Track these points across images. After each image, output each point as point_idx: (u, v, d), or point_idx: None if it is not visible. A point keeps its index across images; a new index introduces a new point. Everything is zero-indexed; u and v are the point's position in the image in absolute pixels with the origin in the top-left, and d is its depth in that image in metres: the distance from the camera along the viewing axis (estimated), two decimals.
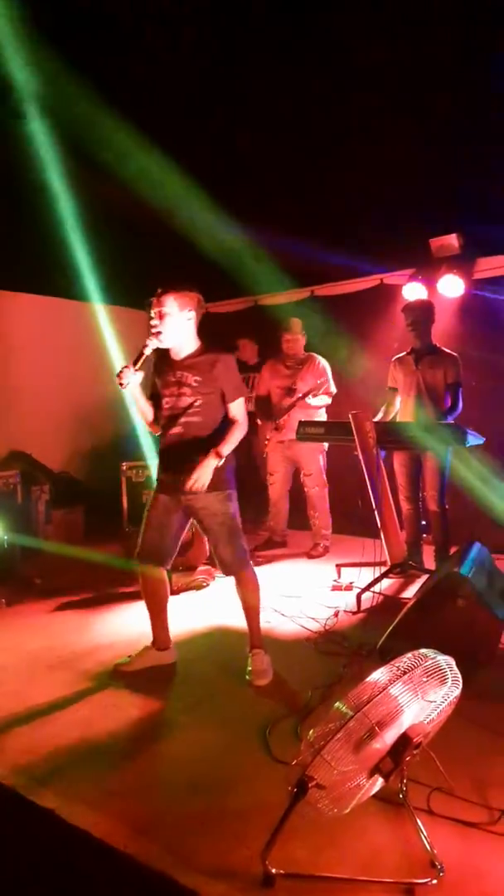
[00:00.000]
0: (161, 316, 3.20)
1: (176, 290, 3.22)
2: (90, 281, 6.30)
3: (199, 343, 3.32)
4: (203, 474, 3.12)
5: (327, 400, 5.51)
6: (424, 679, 1.97)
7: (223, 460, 3.19)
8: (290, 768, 2.38)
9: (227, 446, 3.21)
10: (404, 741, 1.96)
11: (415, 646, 2.11)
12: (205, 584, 4.89)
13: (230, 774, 2.50)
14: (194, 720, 2.94)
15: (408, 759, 1.99)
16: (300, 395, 5.42)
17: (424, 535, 4.92)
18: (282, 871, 1.94)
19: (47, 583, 5.01)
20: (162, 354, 3.32)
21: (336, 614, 4.17)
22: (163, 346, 3.25)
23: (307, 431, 4.78)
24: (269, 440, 5.63)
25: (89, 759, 2.63)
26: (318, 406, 5.46)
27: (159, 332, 3.20)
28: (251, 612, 3.40)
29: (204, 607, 4.48)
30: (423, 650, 2.04)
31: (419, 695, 1.95)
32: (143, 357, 3.19)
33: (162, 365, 3.33)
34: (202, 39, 4.76)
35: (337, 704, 2.03)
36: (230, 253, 6.05)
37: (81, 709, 3.08)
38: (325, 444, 5.54)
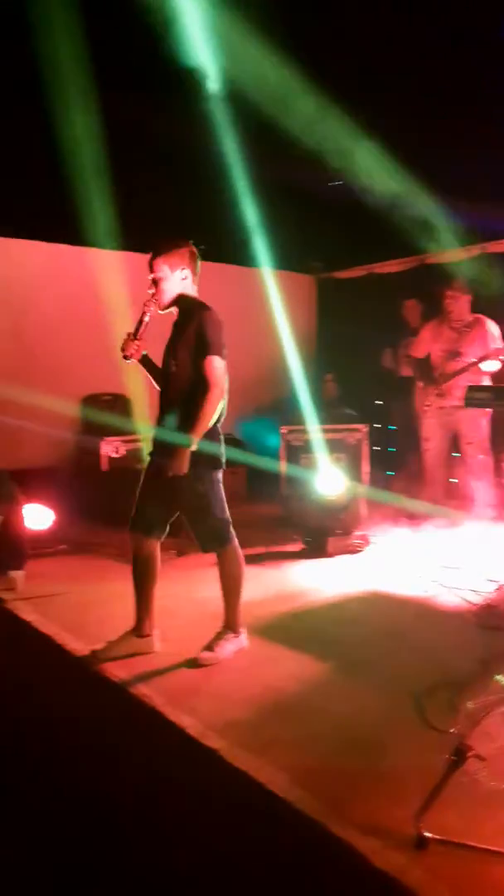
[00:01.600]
0: (156, 282, 3.08)
1: (163, 251, 3.08)
2: (258, 247, 6.39)
3: (192, 300, 3.17)
4: (180, 465, 2.98)
5: (498, 365, 5.23)
6: None
7: (198, 439, 3.02)
8: (446, 736, 2.39)
9: (201, 426, 3.00)
10: None
11: None
12: (360, 549, 4.91)
13: (385, 736, 2.53)
14: (350, 680, 3.00)
15: None
16: (472, 360, 5.18)
17: None
18: (436, 836, 1.96)
19: None
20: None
21: (500, 588, 4.03)
22: (163, 312, 3.15)
23: (475, 397, 4.58)
24: (429, 406, 5.46)
25: (250, 708, 2.76)
26: (488, 372, 5.21)
27: (158, 300, 3.09)
28: (230, 590, 3.24)
29: (359, 571, 4.51)
30: None
31: None
32: (144, 325, 3.09)
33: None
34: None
35: (498, 677, 1.99)
36: (395, 210, 5.87)
37: (242, 659, 3.23)
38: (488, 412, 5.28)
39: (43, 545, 4.74)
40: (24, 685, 3.45)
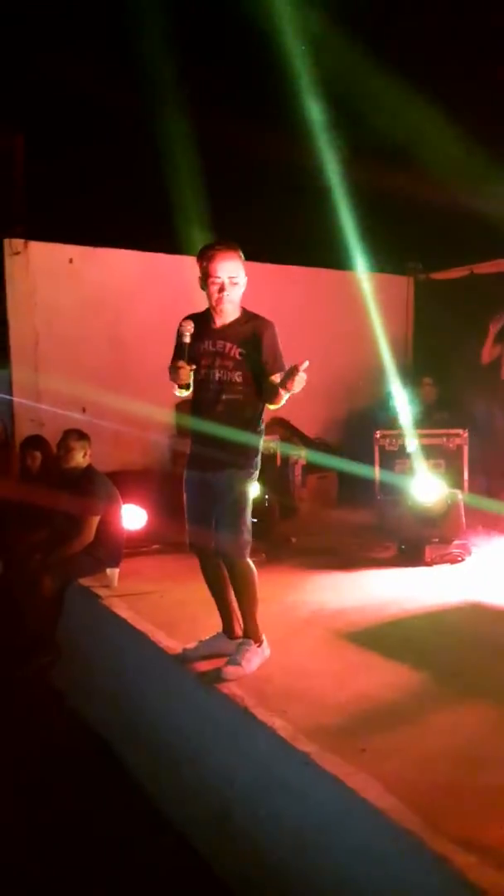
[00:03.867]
0: (222, 287, 2.94)
1: (239, 252, 2.97)
2: (353, 250, 6.32)
3: (242, 308, 3.06)
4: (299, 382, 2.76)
5: None
6: None
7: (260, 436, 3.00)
8: None
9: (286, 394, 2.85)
10: None
11: None
12: (460, 558, 4.74)
13: (484, 750, 2.43)
14: (446, 691, 2.90)
15: None
16: None
17: None
18: None
19: (302, 542, 5.24)
20: (198, 318, 3.08)
21: None
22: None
23: None
24: None
25: (343, 714, 2.71)
26: None
27: (220, 307, 2.98)
28: (244, 602, 3.09)
29: (457, 581, 4.36)
30: None
31: None
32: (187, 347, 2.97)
33: (199, 328, 3.04)
34: None
35: None
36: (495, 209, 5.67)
37: (334, 664, 3.19)
38: None
39: (137, 544, 4.85)
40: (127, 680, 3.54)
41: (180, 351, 3.00)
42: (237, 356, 3.00)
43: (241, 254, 3.02)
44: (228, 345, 3.02)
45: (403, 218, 6.11)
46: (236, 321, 3.07)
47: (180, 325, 3.02)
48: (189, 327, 2.98)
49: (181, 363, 2.97)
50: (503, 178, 5.46)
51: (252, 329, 3.03)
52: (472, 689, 2.90)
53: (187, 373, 2.99)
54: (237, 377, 3.02)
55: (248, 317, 3.09)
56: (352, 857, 2.10)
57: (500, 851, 1.87)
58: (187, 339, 2.97)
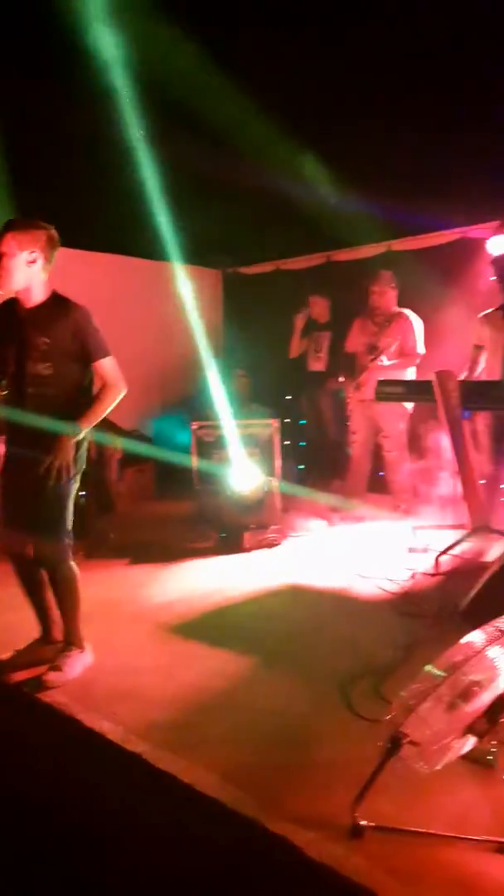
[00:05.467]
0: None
1: (16, 227, 2.77)
2: (165, 240, 6.25)
3: (49, 292, 2.89)
4: (63, 458, 2.76)
5: (410, 362, 5.34)
6: None
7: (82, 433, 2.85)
8: (374, 725, 2.39)
9: (90, 418, 2.84)
10: (501, 703, 1.91)
11: (500, 609, 2.06)
12: (276, 542, 4.90)
13: (313, 728, 2.51)
14: (274, 674, 2.96)
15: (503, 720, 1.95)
16: (376, 353, 5.27)
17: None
18: (371, 824, 1.94)
19: (121, 537, 5.11)
20: (6, 302, 2.91)
21: (413, 576, 4.12)
22: (1, 291, 2.84)
23: (385, 391, 4.67)
24: (350, 399, 5.53)
25: (174, 708, 2.67)
26: (393, 366, 5.30)
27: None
28: (66, 607, 2.98)
29: (276, 565, 4.49)
30: None
31: None
32: None
33: (4, 314, 2.90)
34: None
35: (428, 667, 2.00)
36: (304, 207, 5.90)
37: (161, 659, 3.14)
38: (409, 409, 5.39)
39: None
40: None
41: None
42: (43, 346, 2.81)
43: (24, 228, 2.79)
44: (34, 333, 2.82)
45: (215, 211, 6.15)
46: (42, 305, 2.87)
47: None
48: None
49: None
50: (311, 178, 5.69)
51: (59, 315, 2.85)
52: (298, 670, 3.00)
53: None
54: (44, 369, 2.82)
55: (56, 301, 2.89)
56: (193, 851, 2.07)
57: (338, 824, 1.94)
58: None
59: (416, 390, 4.64)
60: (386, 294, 5.41)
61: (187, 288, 6.60)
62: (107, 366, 2.91)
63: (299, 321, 6.51)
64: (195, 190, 5.98)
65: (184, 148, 5.31)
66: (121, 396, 2.94)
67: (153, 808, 2.21)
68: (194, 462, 6.04)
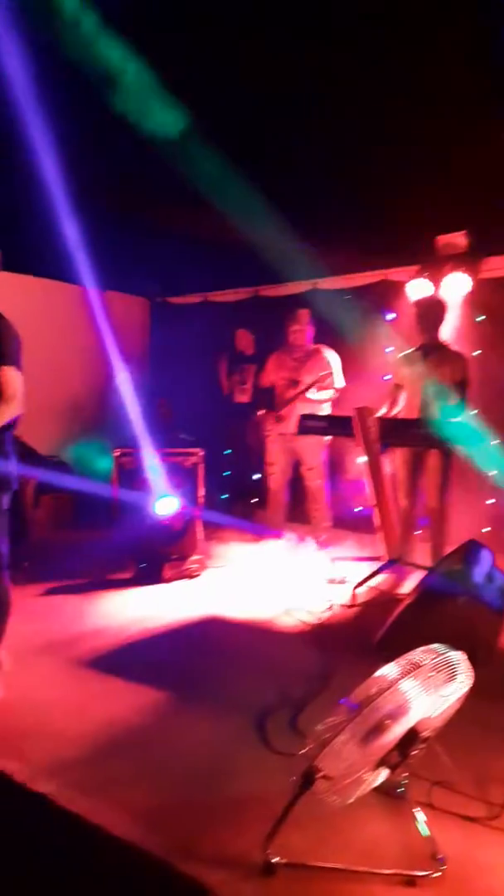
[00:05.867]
0: None
1: None
2: (85, 264, 6.19)
3: None
4: None
5: (332, 394, 5.47)
6: (434, 674, 1.95)
7: None
8: (289, 759, 2.38)
9: None
10: (412, 735, 1.95)
11: (414, 641, 2.10)
12: (196, 573, 4.86)
13: (228, 764, 2.48)
14: (189, 709, 2.91)
15: (414, 752, 1.98)
16: (303, 387, 5.38)
17: (418, 533, 4.92)
18: (282, 861, 1.93)
19: (36, 567, 4.95)
20: None
21: (330, 607, 4.16)
22: None
23: (308, 425, 4.75)
24: (269, 432, 5.60)
25: (85, 746, 2.59)
26: (321, 400, 5.42)
27: None
28: None
29: (196, 596, 4.45)
30: (433, 645, 2.02)
31: (429, 690, 1.93)
32: None
33: None
34: None
35: (343, 701, 2.01)
36: (232, 243, 5.98)
37: (74, 695, 3.04)
38: (328, 439, 5.51)
39: None
40: None
41: None
42: None
43: None
44: None
45: (145, 240, 6.15)
46: None
47: None
48: None
49: None
50: (241, 211, 5.76)
51: None
52: (215, 704, 2.96)
53: None
54: None
55: None
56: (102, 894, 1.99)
57: (250, 862, 1.92)
58: None
59: (337, 425, 4.74)
60: (304, 331, 5.55)
61: (112, 314, 6.56)
62: (9, 376, 2.82)
63: (221, 367, 6.68)
64: (126, 218, 5.98)
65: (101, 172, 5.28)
66: (13, 415, 2.84)
67: (60, 850, 2.13)
68: (115, 490, 5.94)
